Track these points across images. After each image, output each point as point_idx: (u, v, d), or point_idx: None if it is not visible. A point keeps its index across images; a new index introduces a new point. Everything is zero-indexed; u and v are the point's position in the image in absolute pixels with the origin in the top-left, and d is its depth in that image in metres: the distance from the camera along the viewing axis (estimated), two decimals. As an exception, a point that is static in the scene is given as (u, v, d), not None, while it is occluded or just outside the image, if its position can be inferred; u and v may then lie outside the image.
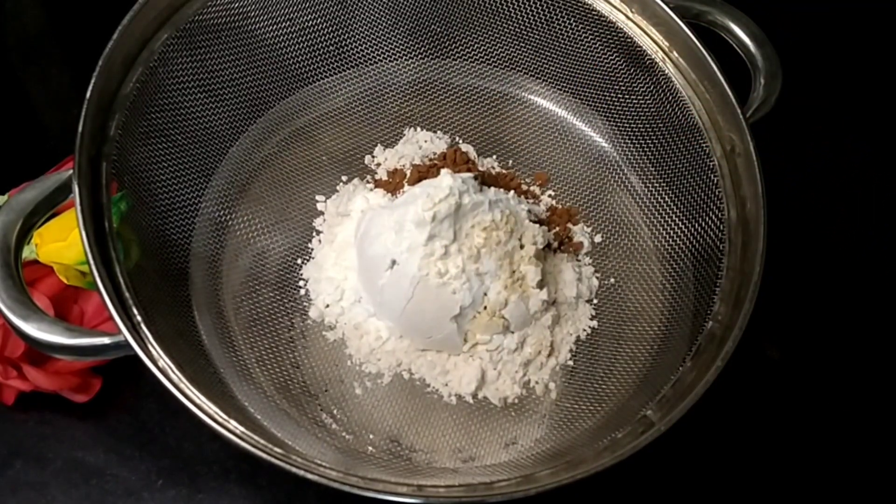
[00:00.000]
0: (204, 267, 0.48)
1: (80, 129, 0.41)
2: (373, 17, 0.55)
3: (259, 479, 0.46)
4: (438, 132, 0.55)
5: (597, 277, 0.51)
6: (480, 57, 0.56)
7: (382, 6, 0.54)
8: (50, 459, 0.46)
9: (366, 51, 0.55)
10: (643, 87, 0.52)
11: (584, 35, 0.53)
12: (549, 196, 0.54)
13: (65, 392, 0.46)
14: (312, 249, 0.50)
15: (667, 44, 0.50)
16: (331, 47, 0.54)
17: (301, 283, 0.49)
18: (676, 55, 0.50)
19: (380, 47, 0.56)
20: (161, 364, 0.37)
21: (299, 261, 0.50)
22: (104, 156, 0.42)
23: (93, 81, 0.42)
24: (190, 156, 0.49)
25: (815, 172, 0.61)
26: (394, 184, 0.52)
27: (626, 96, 0.53)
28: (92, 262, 0.38)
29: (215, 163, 0.51)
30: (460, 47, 0.56)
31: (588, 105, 0.55)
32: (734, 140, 0.47)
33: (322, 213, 0.51)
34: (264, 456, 0.36)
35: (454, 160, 0.53)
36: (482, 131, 0.56)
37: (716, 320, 0.42)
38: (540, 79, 0.56)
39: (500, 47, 0.56)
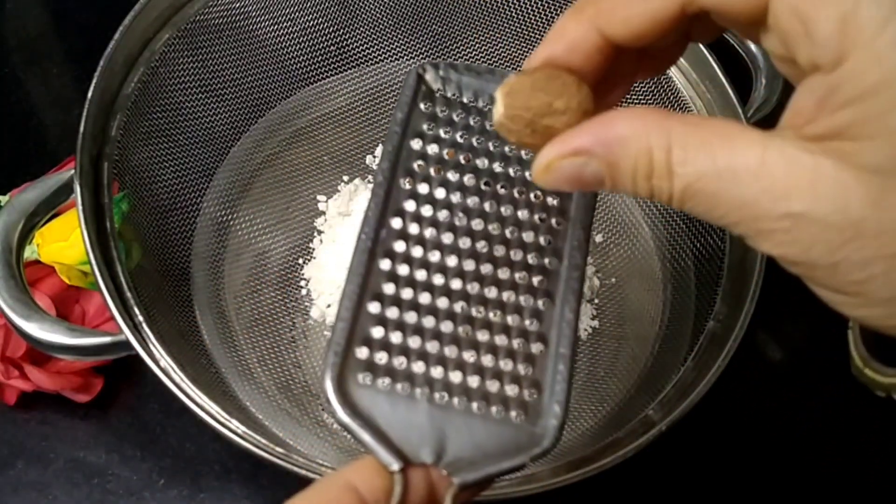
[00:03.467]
0: (205, 267, 0.48)
1: (81, 129, 0.41)
2: (374, 17, 0.55)
3: (261, 479, 0.46)
4: (440, 132, 0.55)
5: (598, 277, 0.51)
6: (481, 57, 0.56)
7: (383, 6, 0.54)
8: (51, 459, 0.46)
9: (367, 51, 0.55)
10: (644, 86, 0.52)
11: (584, 35, 0.53)
12: (551, 196, 0.54)
13: (66, 392, 0.46)
14: (314, 249, 0.50)
15: (668, 44, 0.50)
16: (332, 47, 0.54)
17: (302, 283, 0.49)
18: (677, 55, 0.50)
19: (381, 47, 0.56)
20: (163, 364, 0.37)
21: (301, 261, 0.50)
22: (105, 156, 0.42)
23: (94, 82, 0.42)
24: (191, 156, 0.49)
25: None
26: (395, 184, 0.52)
27: (627, 96, 0.53)
28: (93, 262, 0.38)
29: (217, 163, 0.51)
30: (461, 47, 0.56)
31: (589, 105, 0.55)
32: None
33: (324, 213, 0.51)
34: (266, 455, 0.36)
35: (455, 160, 0.53)
36: (483, 131, 0.56)
37: (717, 320, 0.42)
38: (541, 79, 0.56)
39: (501, 47, 0.56)
